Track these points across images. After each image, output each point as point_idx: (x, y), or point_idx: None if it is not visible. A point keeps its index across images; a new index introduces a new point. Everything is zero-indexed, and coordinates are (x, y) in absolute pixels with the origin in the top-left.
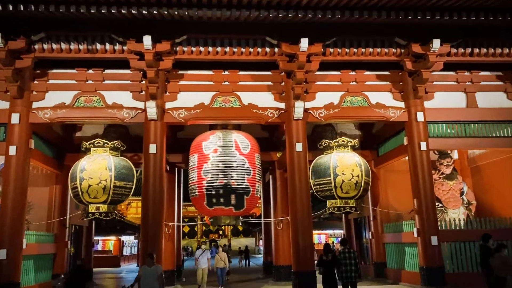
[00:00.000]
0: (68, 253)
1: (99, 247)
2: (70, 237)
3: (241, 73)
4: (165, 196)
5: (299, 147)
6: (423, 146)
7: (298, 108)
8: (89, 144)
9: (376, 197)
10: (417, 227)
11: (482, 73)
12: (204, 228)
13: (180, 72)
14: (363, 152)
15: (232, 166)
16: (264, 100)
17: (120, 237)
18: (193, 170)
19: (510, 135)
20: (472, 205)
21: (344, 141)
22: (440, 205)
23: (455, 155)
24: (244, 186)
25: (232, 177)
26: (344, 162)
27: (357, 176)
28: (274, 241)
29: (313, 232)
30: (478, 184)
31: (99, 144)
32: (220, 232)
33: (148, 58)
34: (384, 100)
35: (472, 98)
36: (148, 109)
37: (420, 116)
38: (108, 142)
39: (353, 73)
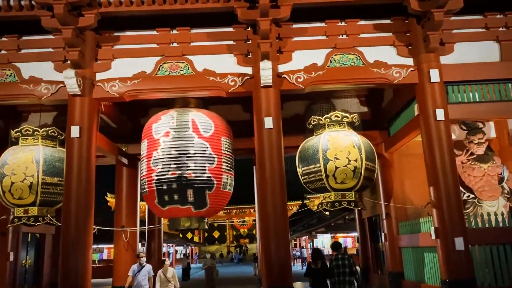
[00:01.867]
0: (21, 265)
1: (104, 255)
2: (16, 246)
3: (194, 31)
4: (123, 195)
5: (268, 122)
6: (440, 114)
7: (265, 71)
8: (16, 133)
9: (389, 189)
10: (435, 225)
11: None
12: (234, 232)
13: (116, 34)
14: (370, 133)
15: (189, 153)
16: (224, 65)
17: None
18: (143, 160)
19: None
20: None
21: (338, 117)
22: (472, 195)
23: (491, 131)
24: (205, 178)
25: (188, 166)
26: (337, 144)
27: (355, 160)
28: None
29: (338, 235)
30: None
31: (28, 132)
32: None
33: (58, 11)
34: (385, 56)
35: (509, 48)
36: (66, 80)
37: (435, 75)
38: (39, 129)
39: (343, 23)
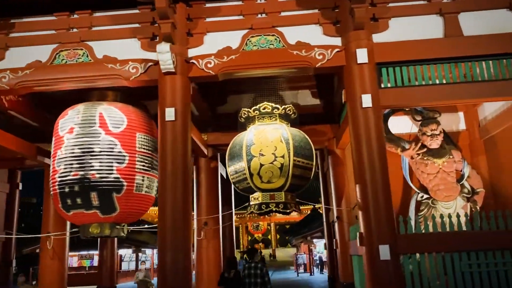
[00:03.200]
0: None
1: (95, 262)
2: None
3: (96, 15)
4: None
5: (170, 114)
6: (366, 101)
7: (163, 55)
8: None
9: (340, 189)
10: (360, 230)
11: None
12: (249, 237)
13: (12, 21)
14: (321, 128)
15: (93, 151)
16: (125, 50)
17: (117, 251)
18: (51, 160)
19: None
20: (477, 195)
21: (268, 108)
22: (425, 196)
23: (461, 122)
24: (112, 180)
25: (92, 166)
26: (263, 138)
27: (282, 156)
28: (196, 255)
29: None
30: (495, 163)
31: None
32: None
33: None
34: (309, 36)
35: (453, 22)
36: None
37: (362, 55)
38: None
39: (263, 0)
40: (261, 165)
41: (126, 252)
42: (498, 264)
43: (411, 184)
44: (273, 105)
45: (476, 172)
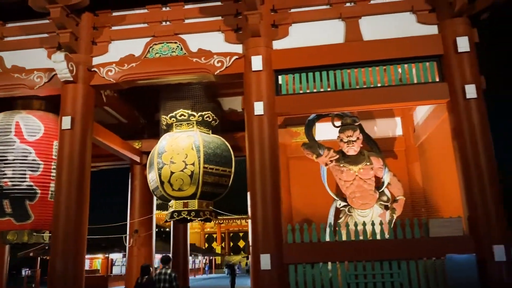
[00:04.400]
0: None
1: (86, 266)
2: None
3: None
4: None
5: (66, 123)
6: (258, 108)
7: (58, 64)
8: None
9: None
10: (249, 239)
11: None
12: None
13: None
14: None
15: (7, 159)
16: (33, 60)
17: (108, 255)
18: None
19: (433, 79)
20: (397, 203)
21: (184, 115)
22: (343, 203)
23: (397, 127)
24: (25, 187)
25: (5, 174)
26: (175, 146)
27: (192, 164)
28: (127, 262)
29: None
30: (424, 169)
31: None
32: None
33: None
34: (211, 44)
35: (354, 26)
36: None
37: (257, 63)
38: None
39: (167, 8)
40: (172, 172)
41: (117, 256)
42: (385, 275)
43: (329, 191)
44: (189, 112)
45: (397, 180)
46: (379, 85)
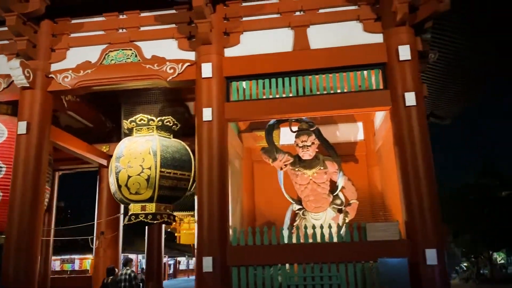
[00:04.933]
0: None
1: (76, 266)
2: None
3: None
4: None
5: (22, 127)
6: (207, 114)
7: (13, 70)
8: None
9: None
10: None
11: None
12: None
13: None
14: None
15: None
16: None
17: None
18: None
19: (378, 87)
20: (350, 206)
21: (144, 120)
22: (298, 207)
23: (359, 132)
24: None
25: None
26: (132, 150)
27: (149, 168)
28: (94, 264)
29: None
30: (382, 174)
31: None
32: None
33: None
34: (165, 51)
35: (302, 35)
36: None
37: (207, 69)
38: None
39: (124, 16)
40: (129, 176)
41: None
42: (324, 278)
43: (285, 195)
44: (149, 117)
45: (351, 184)
46: (325, 92)
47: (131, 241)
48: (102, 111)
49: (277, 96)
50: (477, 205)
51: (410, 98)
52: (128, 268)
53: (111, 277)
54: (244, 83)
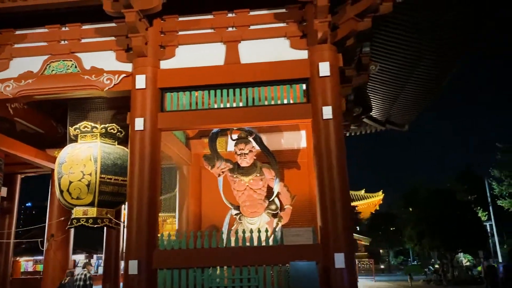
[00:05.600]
0: None
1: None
2: None
3: None
4: None
5: None
6: (139, 124)
7: None
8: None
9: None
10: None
11: (253, 12)
12: None
13: None
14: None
15: None
16: None
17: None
18: None
19: (301, 101)
20: (284, 211)
21: (87, 127)
22: (236, 212)
23: (302, 140)
24: None
25: None
26: (74, 157)
27: (89, 174)
28: (44, 266)
29: None
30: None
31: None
32: None
33: None
34: (104, 62)
35: (234, 50)
36: None
37: (140, 81)
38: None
39: (66, 28)
40: (70, 182)
41: (80, 258)
42: (243, 280)
43: (224, 200)
44: (93, 124)
45: (286, 190)
46: (254, 104)
47: (92, 243)
48: (53, 117)
49: (209, 107)
50: (443, 208)
51: (327, 112)
52: (85, 269)
53: (69, 277)
54: (178, 94)
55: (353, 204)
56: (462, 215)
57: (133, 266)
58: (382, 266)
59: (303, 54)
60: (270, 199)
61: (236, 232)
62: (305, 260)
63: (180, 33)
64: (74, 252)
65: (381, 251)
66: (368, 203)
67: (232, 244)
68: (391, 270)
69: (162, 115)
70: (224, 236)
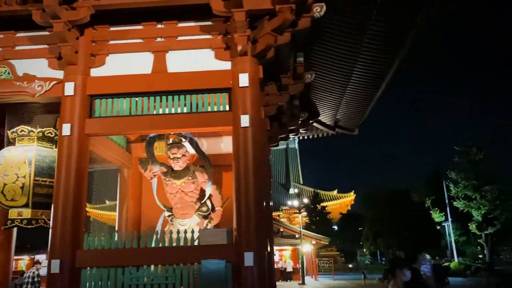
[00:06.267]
0: None
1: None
2: None
3: None
4: None
5: None
6: (66, 130)
7: None
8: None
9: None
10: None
11: (181, 24)
12: None
13: None
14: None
15: None
16: None
17: (34, 256)
18: None
19: (224, 109)
20: (215, 213)
21: (24, 131)
22: (168, 213)
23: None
24: None
25: None
26: (10, 160)
27: (23, 176)
28: None
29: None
30: None
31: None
32: None
33: None
34: (37, 69)
35: (161, 59)
36: None
37: (69, 88)
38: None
39: (0, 36)
40: (5, 184)
41: (43, 257)
42: (161, 278)
43: (158, 202)
44: (29, 128)
45: (218, 192)
46: (180, 111)
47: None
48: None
49: (137, 113)
50: (398, 209)
51: (245, 120)
52: (34, 268)
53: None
54: (107, 101)
55: (323, 204)
56: (416, 216)
57: (55, 265)
58: (350, 265)
59: (226, 65)
60: (202, 201)
61: (169, 233)
62: (217, 259)
63: (111, 42)
64: (38, 253)
65: (358, 251)
66: (340, 203)
67: (166, 244)
68: (358, 269)
69: (91, 121)
70: (158, 236)
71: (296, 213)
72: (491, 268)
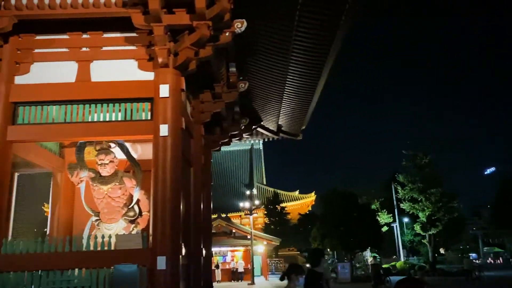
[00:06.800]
0: None
1: None
2: None
3: None
4: None
5: None
6: None
7: None
8: None
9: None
10: None
11: (106, 34)
12: None
13: None
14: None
15: None
16: None
17: None
18: None
19: (146, 118)
20: (142, 217)
21: None
22: (96, 218)
23: None
24: None
25: None
26: None
27: None
28: None
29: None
30: None
31: None
32: None
33: None
34: None
35: (86, 68)
36: None
37: None
38: None
39: None
40: None
41: None
42: (77, 281)
43: (85, 207)
44: None
45: (146, 197)
46: (102, 120)
47: None
48: None
49: (61, 121)
50: (345, 210)
51: (164, 130)
52: None
53: None
54: (31, 108)
55: (284, 205)
56: (361, 217)
57: None
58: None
59: (150, 76)
60: (129, 206)
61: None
62: (131, 263)
63: (36, 50)
64: None
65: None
66: (301, 203)
67: (91, 248)
68: None
69: (14, 128)
70: (84, 241)
71: (247, 214)
72: (433, 267)
